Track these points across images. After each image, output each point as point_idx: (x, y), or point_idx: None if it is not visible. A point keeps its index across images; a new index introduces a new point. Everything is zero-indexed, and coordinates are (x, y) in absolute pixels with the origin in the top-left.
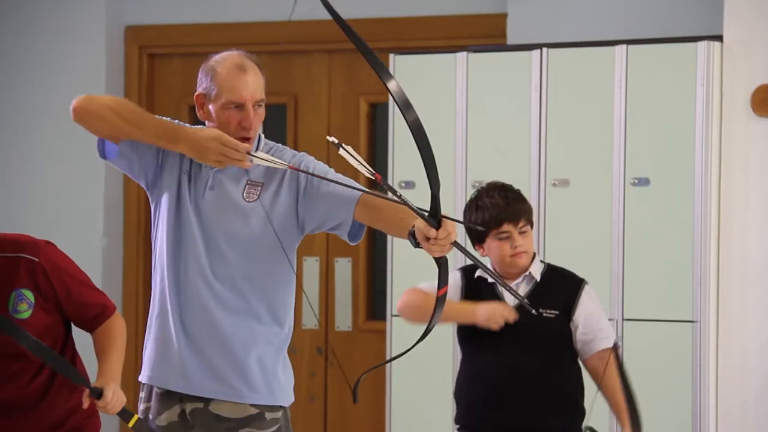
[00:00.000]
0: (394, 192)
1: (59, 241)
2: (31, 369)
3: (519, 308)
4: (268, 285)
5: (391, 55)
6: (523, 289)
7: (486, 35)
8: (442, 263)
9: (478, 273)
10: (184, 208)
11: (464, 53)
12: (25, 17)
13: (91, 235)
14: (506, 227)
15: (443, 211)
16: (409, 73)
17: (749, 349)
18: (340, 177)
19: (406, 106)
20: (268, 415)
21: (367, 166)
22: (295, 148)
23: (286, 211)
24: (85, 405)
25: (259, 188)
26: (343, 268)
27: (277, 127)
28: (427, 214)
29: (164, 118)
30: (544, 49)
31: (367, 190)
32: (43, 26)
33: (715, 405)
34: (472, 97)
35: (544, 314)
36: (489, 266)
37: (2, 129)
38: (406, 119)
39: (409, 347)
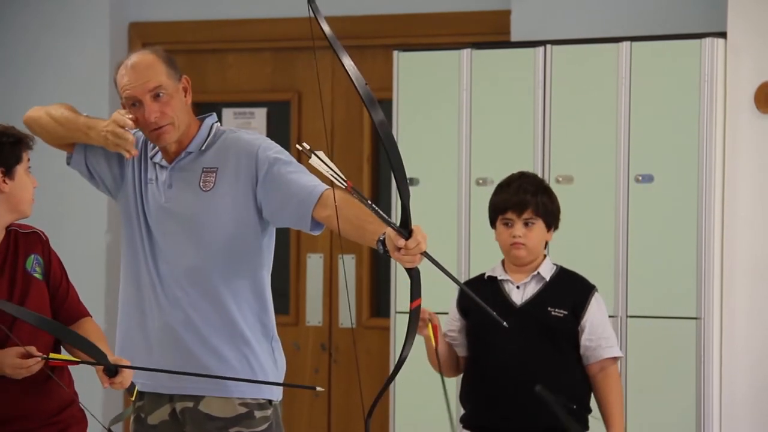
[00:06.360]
0: (365, 201)
1: (63, 238)
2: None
3: (523, 309)
4: (240, 275)
5: (395, 52)
6: (531, 288)
7: (490, 32)
8: (413, 275)
9: (488, 273)
10: (149, 211)
11: (468, 50)
12: (30, 14)
13: (95, 232)
14: (509, 215)
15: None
16: (412, 70)
17: (753, 346)
18: (305, 170)
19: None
20: (258, 414)
21: (339, 173)
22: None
23: (245, 195)
24: (105, 385)
25: (214, 174)
26: (347, 264)
27: (280, 124)
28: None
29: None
30: (548, 46)
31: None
32: (48, 23)
33: (719, 402)
34: (476, 94)
35: (552, 313)
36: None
37: None
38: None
39: (393, 373)
